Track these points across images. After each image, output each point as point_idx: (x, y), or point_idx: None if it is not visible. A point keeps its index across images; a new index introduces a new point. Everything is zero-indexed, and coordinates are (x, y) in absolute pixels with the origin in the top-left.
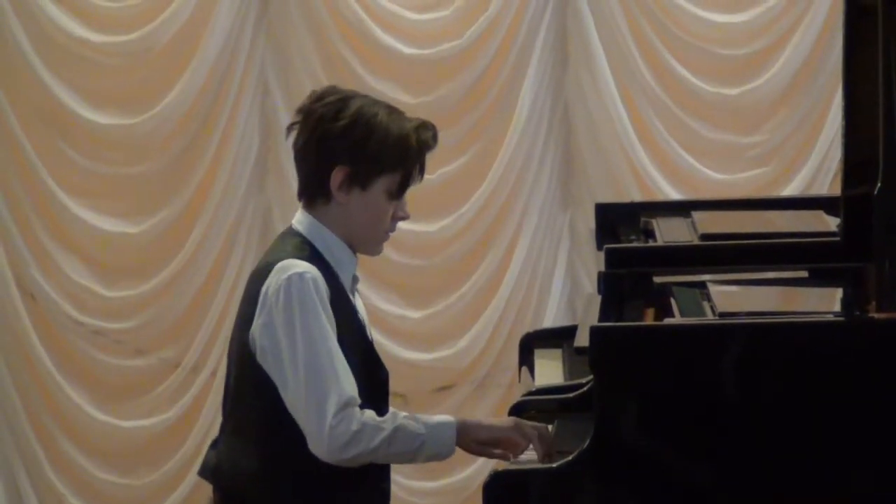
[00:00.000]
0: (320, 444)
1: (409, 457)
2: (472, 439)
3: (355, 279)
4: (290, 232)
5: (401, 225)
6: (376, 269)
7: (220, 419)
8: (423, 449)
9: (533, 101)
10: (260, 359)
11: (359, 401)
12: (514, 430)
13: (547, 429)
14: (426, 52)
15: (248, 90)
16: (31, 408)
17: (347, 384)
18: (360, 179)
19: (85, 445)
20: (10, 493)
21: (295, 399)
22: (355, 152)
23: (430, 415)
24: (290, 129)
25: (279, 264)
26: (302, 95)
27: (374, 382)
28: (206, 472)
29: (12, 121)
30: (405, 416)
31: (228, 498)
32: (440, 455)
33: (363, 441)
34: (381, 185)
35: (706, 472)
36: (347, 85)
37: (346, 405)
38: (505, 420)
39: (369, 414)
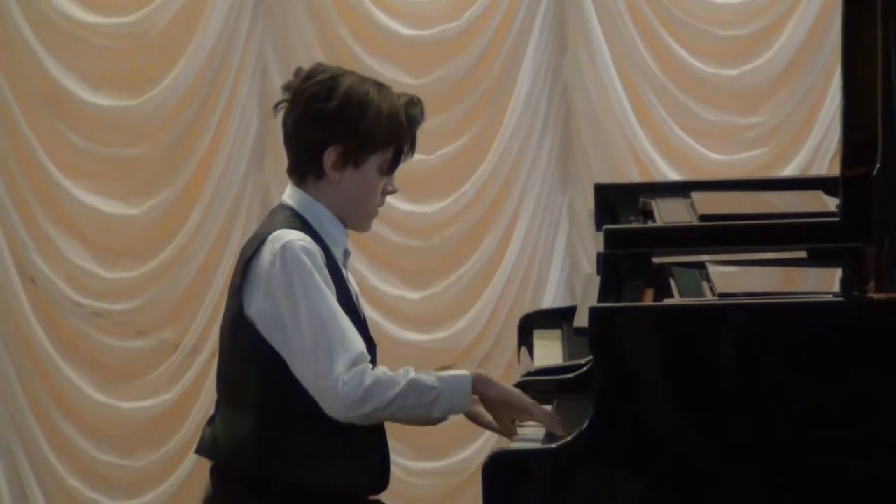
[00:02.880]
0: (334, 403)
1: (425, 410)
2: (484, 393)
3: (347, 253)
4: (281, 206)
5: (399, 206)
6: (375, 250)
7: None
8: (439, 402)
9: (532, 82)
10: (264, 332)
11: (368, 357)
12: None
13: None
14: (425, 33)
15: (247, 71)
16: (31, 390)
17: (356, 341)
18: (353, 157)
19: (85, 427)
20: (10, 475)
21: (304, 364)
22: (349, 131)
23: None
24: (277, 107)
25: (272, 235)
26: None
27: None
28: (202, 448)
29: (11, 103)
30: (418, 370)
31: (225, 472)
32: (455, 408)
33: (377, 395)
34: (374, 161)
35: (705, 453)
36: (346, 66)
37: (356, 361)
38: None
39: (382, 369)
